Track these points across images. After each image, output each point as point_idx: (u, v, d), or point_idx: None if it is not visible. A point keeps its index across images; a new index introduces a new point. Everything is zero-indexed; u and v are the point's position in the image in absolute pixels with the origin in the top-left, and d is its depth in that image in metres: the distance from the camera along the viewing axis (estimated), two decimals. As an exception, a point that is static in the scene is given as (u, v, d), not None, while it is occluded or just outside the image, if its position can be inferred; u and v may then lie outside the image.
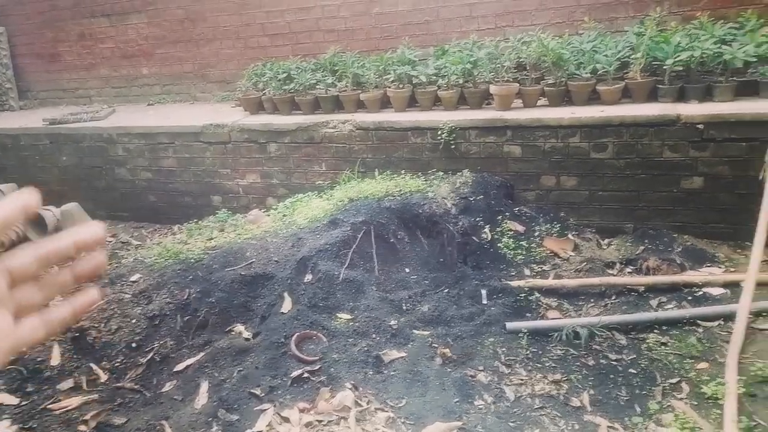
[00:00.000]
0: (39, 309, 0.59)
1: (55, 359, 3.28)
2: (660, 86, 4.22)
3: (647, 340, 3.11)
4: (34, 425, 2.89)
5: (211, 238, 4.44)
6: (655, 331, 3.18)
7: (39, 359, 3.26)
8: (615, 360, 2.99)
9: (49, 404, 3.02)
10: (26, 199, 0.58)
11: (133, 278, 3.89)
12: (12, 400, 3.04)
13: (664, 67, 4.13)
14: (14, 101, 7.90)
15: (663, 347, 3.05)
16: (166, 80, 7.11)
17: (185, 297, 3.57)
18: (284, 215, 4.62)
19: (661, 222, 4.12)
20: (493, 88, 4.55)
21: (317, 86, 5.31)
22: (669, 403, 2.67)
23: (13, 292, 0.57)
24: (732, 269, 3.62)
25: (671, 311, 3.29)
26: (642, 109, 4.09)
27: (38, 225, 5.81)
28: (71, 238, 0.60)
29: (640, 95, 4.29)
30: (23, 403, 3.03)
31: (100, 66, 7.42)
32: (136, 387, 3.13)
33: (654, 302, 3.42)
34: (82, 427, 2.85)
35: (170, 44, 6.89)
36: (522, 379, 2.91)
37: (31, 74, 7.94)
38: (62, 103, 7.81)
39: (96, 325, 3.46)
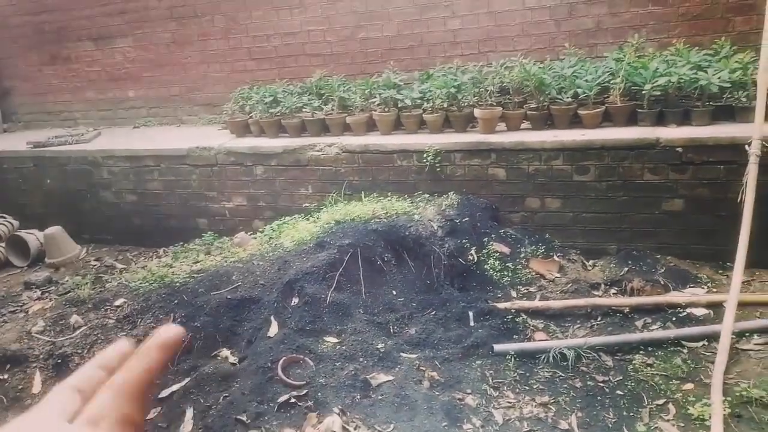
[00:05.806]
0: None
1: (36, 387, 3.21)
2: (639, 110, 4.32)
3: (633, 361, 3.14)
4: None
5: (197, 262, 4.42)
6: (641, 352, 3.21)
7: (20, 387, 3.20)
8: (602, 381, 3.01)
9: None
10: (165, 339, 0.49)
11: (117, 303, 3.85)
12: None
13: (643, 92, 4.24)
14: (-2, 124, 7.85)
15: (649, 368, 3.08)
16: (152, 103, 7.11)
17: (170, 322, 3.53)
18: (271, 238, 4.61)
19: (643, 243, 4.18)
20: (477, 112, 4.62)
21: (303, 109, 5.35)
22: (656, 425, 2.68)
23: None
24: (714, 290, 3.68)
25: (656, 332, 3.33)
26: (622, 133, 4.18)
27: (21, 249, 5.73)
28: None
29: (621, 119, 4.39)
30: (2, 433, 2.96)
31: (86, 89, 7.41)
32: (119, 415, 3.07)
33: (639, 323, 3.45)
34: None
35: (157, 67, 6.91)
36: (510, 402, 2.91)
37: (16, 97, 7.90)
38: (47, 126, 7.76)
39: (79, 351, 3.40)
